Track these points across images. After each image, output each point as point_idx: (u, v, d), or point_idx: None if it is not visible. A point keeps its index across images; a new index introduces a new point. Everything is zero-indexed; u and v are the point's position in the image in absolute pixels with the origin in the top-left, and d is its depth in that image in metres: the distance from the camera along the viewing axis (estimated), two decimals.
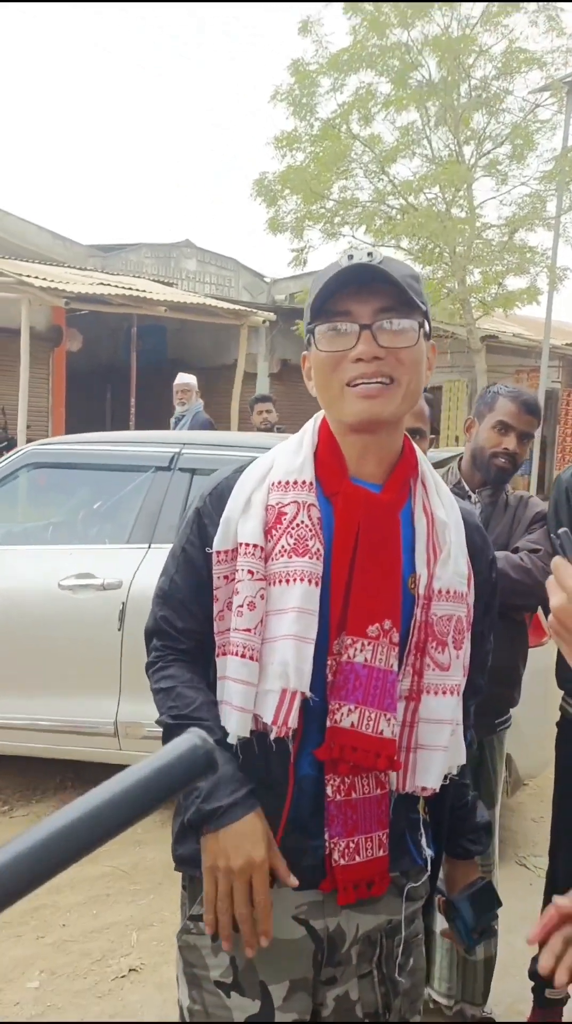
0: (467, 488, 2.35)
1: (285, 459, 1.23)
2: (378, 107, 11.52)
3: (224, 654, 1.20)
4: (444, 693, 1.21)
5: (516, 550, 2.25)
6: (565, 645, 0.86)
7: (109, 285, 10.92)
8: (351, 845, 1.17)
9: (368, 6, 11.13)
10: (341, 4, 11.27)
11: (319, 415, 1.27)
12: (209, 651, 1.23)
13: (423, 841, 1.29)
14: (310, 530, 1.16)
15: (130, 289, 10.83)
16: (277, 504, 1.18)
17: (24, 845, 0.55)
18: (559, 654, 2.34)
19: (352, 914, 1.21)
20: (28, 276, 9.58)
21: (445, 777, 1.25)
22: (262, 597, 1.16)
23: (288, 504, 1.18)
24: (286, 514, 1.17)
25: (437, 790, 1.24)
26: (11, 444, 9.60)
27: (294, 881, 1.16)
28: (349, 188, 11.90)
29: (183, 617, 1.25)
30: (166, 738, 1.21)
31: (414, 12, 10.96)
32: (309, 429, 1.26)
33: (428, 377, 1.22)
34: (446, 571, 1.21)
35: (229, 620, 1.19)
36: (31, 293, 9.36)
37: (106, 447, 3.99)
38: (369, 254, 1.12)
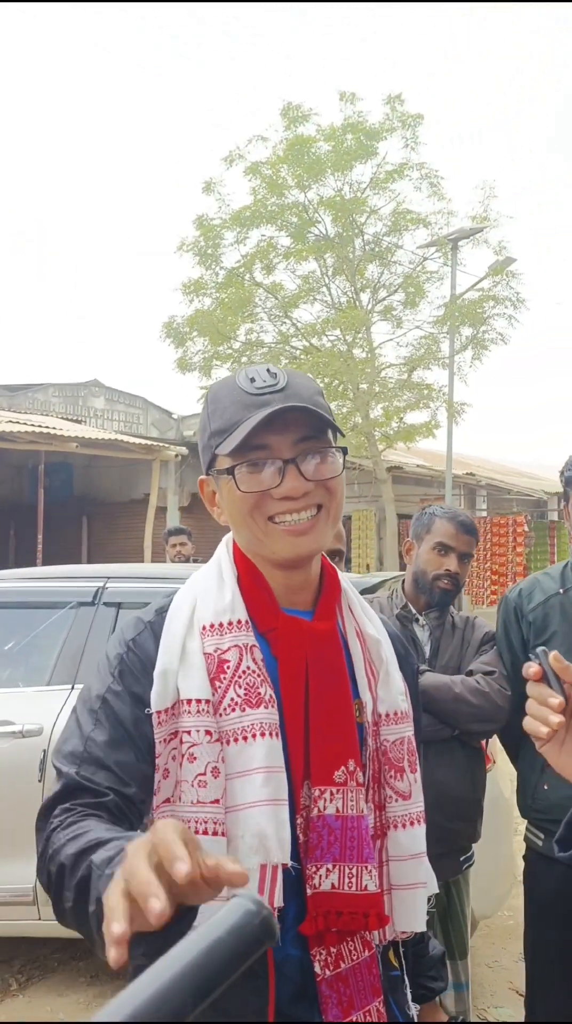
0: (414, 611, 2.32)
1: (209, 597, 1.09)
2: (279, 258, 12.29)
3: None
4: (411, 824, 1.12)
5: (470, 673, 2.20)
6: None
7: (17, 423, 10.85)
8: None
9: (266, 170, 12.03)
10: (242, 167, 12.15)
11: (229, 539, 1.16)
12: (134, 818, 1.01)
13: (408, 999, 1.15)
14: (259, 675, 1.03)
15: (40, 427, 10.78)
16: (215, 651, 1.04)
17: None
18: (519, 780, 2.25)
19: None
20: None
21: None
22: (223, 760, 1.00)
23: (228, 649, 1.04)
24: (229, 661, 1.04)
25: (424, 930, 1.14)
26: None
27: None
28: (254, 331, 12.49)
29: (104, 776, 1.00)
30: (80, 886, 0.85)
31: (309, 176, 11.90)
32: (224, 558, 1.14)
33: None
34: (388, 691, 1.13)
35: (166, 791, 1.01)
36: None
37: (25, 583, 3.80)
38: (272, 373, 1.06)
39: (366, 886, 1.03)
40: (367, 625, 1.16)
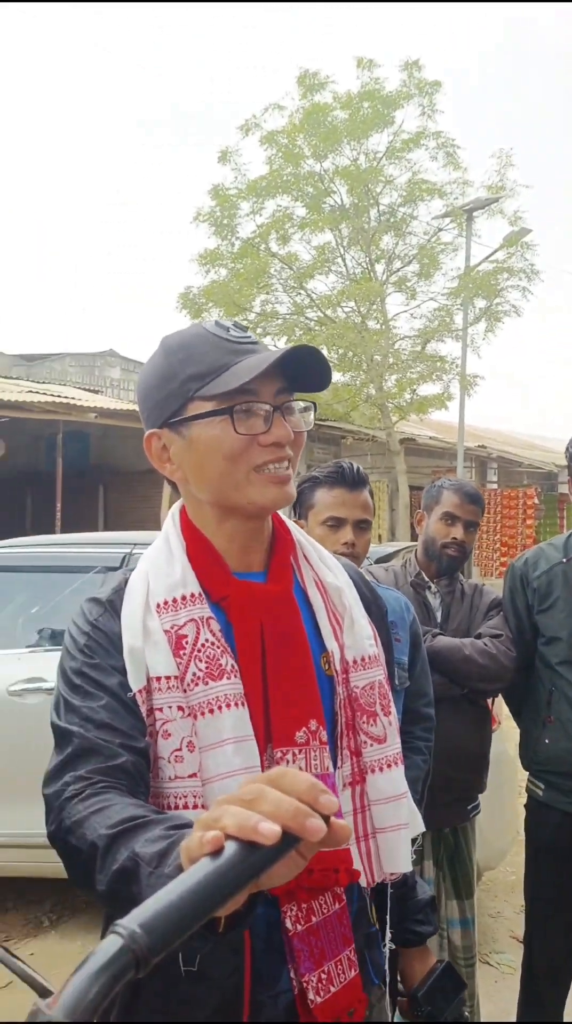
0: (426, 579, 2.46)
1: (160, 573, 1.08)
2: (295, 228, 12.29)
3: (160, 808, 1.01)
4: (388, 766, 1.13)
5: (478, 636, 2.36)
6: None
7: (37, 392, 11.01)
8: (323, 976, 1.03)
9: (282, 139, 12.01)
10: (257, 136, 12.12)
11: (175, 511, 1.15)
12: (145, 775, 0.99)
13: (385, 955, 1.18)
14: (218, 647, 1.03)
15: (59, 397, 10.93)
16: (172, 628, 1.03)
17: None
18: (521, 735, 2.42)
19: None
20: None
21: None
22: (196, 734, 1.00)
23: (184, 625, 1.04)
24: (186, 636, 1.03)
25: (409, 871, 1.16)
26: None
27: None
28: (270, 302, 12.53)
29: (113, 735, 0.98)
30: (121, 877, 0.82)
31: (325, 145, 11.87)
32: (171, 531, 1.12)
33: None
34: (354, 637, 1.13)
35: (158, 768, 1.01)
36: None
37: (53, 549, 3.97)
38: (240, 326, 1.08)
39: None
40: (326, 574, 1.16)
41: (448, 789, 2.31)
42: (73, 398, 11.30)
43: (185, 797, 0.99)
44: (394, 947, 1.21)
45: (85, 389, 13.57)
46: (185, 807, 0.98)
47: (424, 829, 1.24)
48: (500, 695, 2.54)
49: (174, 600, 1.05)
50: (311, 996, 1.01)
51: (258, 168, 12.48)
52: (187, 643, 1.02)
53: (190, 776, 0.99)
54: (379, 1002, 1.18)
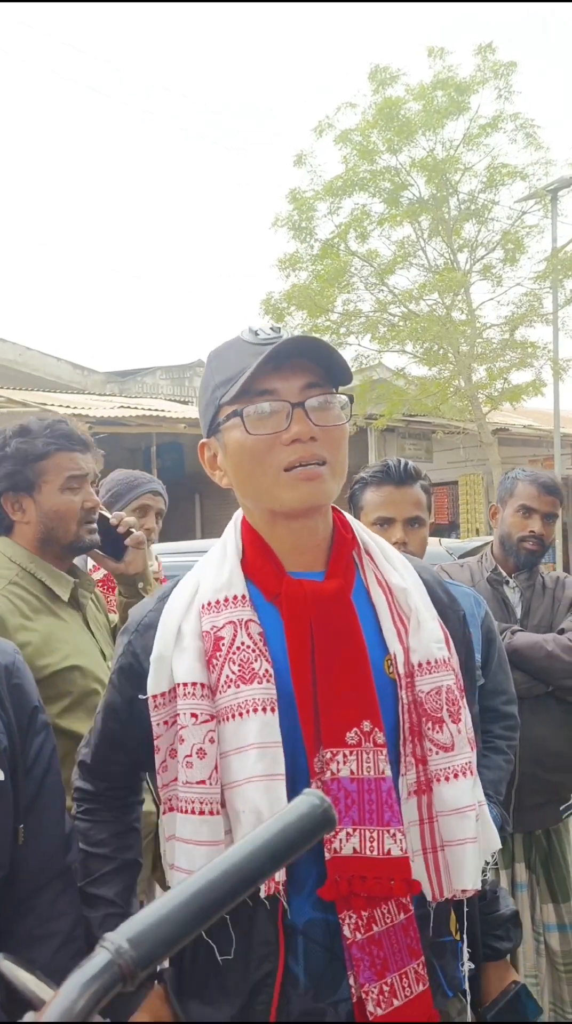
0: (504, 574, 2.41)
1: (210, 575, 1.10)
2: (373, 225, 12.20)
3: (171, 810, 1.05)
4: (456, 776, 1.06)
5: (562, 631, 2.28)
6: None
7: (129, 408, 11.35)
8: (385, 988, 0.98)
9: (356, 137, 11.95)
10: (332, 136, 12.11)
11: (237, 516, 1.16)
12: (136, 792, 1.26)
13: (460, 965, 1.12)
14: (253, 651, 1.03)
15: (149, 410, 11.23)
16: (212, 629, 1.05)
17: (167, 906, 0.59)
18: None
19: None
20: (51, 405, 9.98)
21: (484, 870, 1.11)
22: (211, 740, 1.02)
23: (223, 627, 1.04)
24: (223, 639, 1.04)
25: (479, 888, 1.09)
26: None
27: None
28: (352, 301, 12.47)
29: (100, 784, 1.24)
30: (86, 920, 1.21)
31: (400, 139, 11.74)
32: (230, 534, 1.14)
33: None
34: (420, 640, 1.08)
35: (173, 771, 1.05)
36: None
37: (171, 558, 4.11)
38: (275, 328, 1.08)
39: (389, 850, 1.00)
40: (391, 574, 1.12)
41: (537, 791, 2.25)
42: (162, 410, 11.59)
43: (193, 803, 1.01)
44: (473, 966, 1.16)
45: (174, 400, 13.88)
46: (192, 812, 1.01)
47: (500, 846, 1.19)
48: None
49: (217, 602, 1.07)
50: (370, 1008, 0.98)
51: (334, 168, 12.43)
52: (224, 645, 1.04)
53: (198, 782, 1.01)
54: (459, 1015, 1.13)
